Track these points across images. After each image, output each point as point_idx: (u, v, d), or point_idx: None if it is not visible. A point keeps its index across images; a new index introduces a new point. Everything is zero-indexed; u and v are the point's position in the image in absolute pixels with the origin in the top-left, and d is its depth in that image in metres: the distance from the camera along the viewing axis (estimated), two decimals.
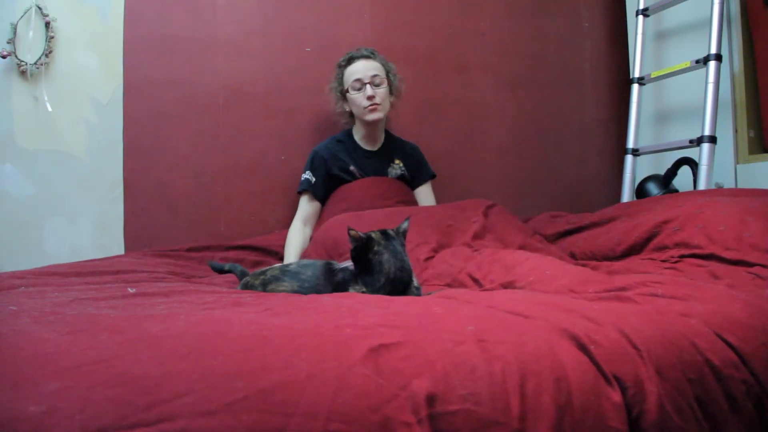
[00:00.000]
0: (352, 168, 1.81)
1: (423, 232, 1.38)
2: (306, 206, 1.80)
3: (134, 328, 0.62)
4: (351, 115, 1.84)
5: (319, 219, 1.80)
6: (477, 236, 1.41)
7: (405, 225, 1.07)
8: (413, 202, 1.87)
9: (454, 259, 1.24)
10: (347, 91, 1.77)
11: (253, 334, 0.61)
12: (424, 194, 1.93)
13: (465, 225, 1.46)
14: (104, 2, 1.87)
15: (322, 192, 1.80)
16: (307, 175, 1.80)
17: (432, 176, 1.96)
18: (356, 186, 1.79)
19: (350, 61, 1.78)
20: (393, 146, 1.89)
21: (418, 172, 1.92)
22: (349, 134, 1.88)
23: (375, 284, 0.99)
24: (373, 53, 1.79)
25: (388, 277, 0.99)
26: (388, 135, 1.90)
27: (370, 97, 1.72)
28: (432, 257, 1.29)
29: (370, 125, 1.79)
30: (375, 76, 1.74)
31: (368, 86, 1.72)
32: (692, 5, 2.01)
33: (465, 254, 1.25)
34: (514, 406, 0.56)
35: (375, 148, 1.85)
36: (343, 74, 1.80)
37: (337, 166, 1.80)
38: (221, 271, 1.37)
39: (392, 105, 1.85)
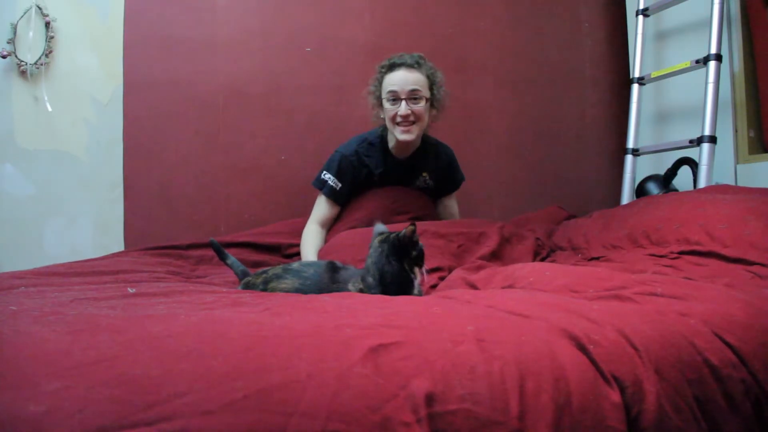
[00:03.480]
0: (376, 176, 1.70)
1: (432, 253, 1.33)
2: (325, 210, 1.68)
3: (134, 328, 0.62)
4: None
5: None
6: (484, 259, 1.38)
7: (404, 231, 1.03)
8: (431, 216, 1.76)
9: (455, 274, 1.24)
10: (382, 99, 1.63)
11: (253, 334, 0.61)
12: (446, 205, 1.84)
13: (476, 249, 1.42)
14: (104, 2, 1.87)
15: (346, 198, 1.70)
16: (329, 178, 1.66)
17: (460, 182, 1.85)
18: (374, 195, 1.69)
19: (391, 68, 1.61)
20: (425, 155, 1.75)
21: (444, 182, 1.80)
22: (382, 137, 1.72)
23: (369, 284, 1.03)
24: (418, 62, 1.61)
25: (374, 278, 1.02)
26: (423, 141, 1.74)
27: (404, 116, 1.57)
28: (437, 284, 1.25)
29: (402, 141, 1.64)
30: (413, 90, 1.57)
31: (403, 103, 1.56)
32: (692, 5, 2.01)
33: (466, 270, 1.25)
34: (513, 406, 0.56)
35: (405, 158, 1.72)
36: (382, 80, 1.63)
37: (364, 173, 1.69)
38: (223, 258, 1.34)
39: (434, 118, 1.70)
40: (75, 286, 1.03)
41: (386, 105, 1.60)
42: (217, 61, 2.00)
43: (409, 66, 1.59)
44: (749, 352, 0.70)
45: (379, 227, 1.10)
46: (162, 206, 1.92)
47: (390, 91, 1.58)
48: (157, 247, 1.63)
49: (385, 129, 1.73)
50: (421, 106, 1.59)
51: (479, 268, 1.29)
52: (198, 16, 1.98)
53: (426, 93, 1.60)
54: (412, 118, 1.58)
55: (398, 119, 1.58)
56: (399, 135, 1.60)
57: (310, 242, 1.62)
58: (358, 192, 1.72)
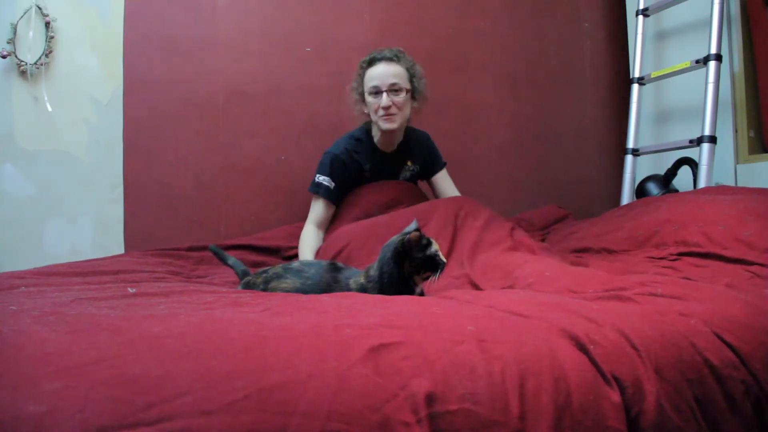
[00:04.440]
0: (366, 171, 1.76)
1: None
2: (322, 210, 1.72)
3: (134, 328, 0.62)
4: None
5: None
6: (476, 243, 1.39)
7: (406, 238, 1.01)
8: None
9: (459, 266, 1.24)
10: (364, 94, 1.71)
11: (253, 334, 0.61)
12: (442, 181, 1.88)
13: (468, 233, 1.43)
14: (104, 2, 1.87)
15: (340, 197, 1.75)
16: (324, 180, 1.71)
17: (442, 165, 1.90)
18: (366, 191, 1.74)
19: (371, 62, 1.69)
20: (407, 145, 1.81)
21: (430, 164, 1.87)
22: (367, 132, 1.79)
23: (371, 277, 1.04)
24: (397, 55, 1.69)
25: (376, 275, 1.03)
26: (405, 132, 1.81)
27: (385, 107, 1.64)
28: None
29: (386, 132, 1.71)
30: (394, 84, 1.65)
31: (384, 95, 1.64)
32: (692, 5, 2.01)
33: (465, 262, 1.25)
34: (513, 406, 0.56)
35: (390, 150, 1.79)
36: (363, 75, 1.71)
37: (355, 169, 1.74)
38: (224, 260, 1.36)
39: (415, 110, 1.77)
40: (75, 286, 1.03)
41: (369, 99, 1.68)
42: (217, 61, 2.00)
43: (389, 59, 1.68)
44: (749, 353, 0.70)
45: (413, 225, 1.08)
46: (162, 206, 1.92)
47: (372, 86, 1.66)
48: (157, 250, 1.63)
49: (369, 125, 1.79)
50: (401, 97, 1.67)
51: (473, 251, 1.29)
52: (198, 16, 1.98)
53: (406, 85, 1.69)
54: (393, 110, 1.65)
55: (380, 111, 1.66)
56: (382, 125, 1.68)
57: (307, 243, 1.65)
58: (350, 189, 1.76)
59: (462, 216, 1.46)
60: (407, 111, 1.72)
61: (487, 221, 1.45)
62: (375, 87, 1.66)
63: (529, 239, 1.42)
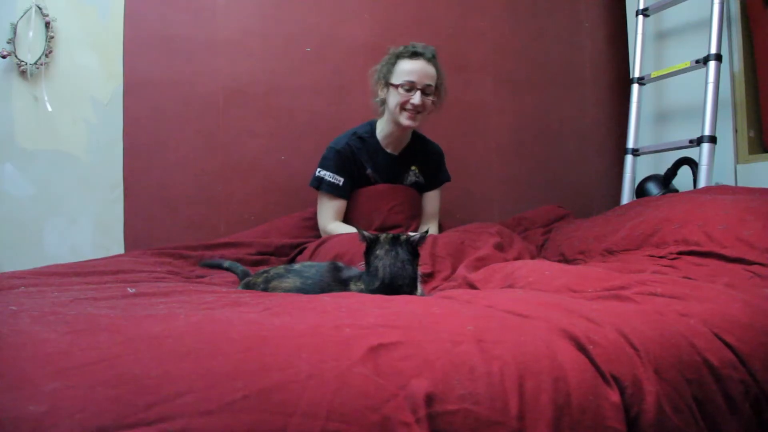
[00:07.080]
0: (369, 172, 1.73)
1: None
2: (335, 205, 1.70)
3: (134, 328, 0.62)
4: (383, 102, 1.72)
5: None
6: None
7: (418, 235, 1.05)
8: (420, 213, 1.82)
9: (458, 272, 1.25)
10: (394, 85, 1.65)
11: (253, 334, 0.61)
12: (429, 198, 1.85)
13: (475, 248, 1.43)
14: (104, 2, 1.87)
15: (350, 192, 1.73)
16: (326, 175, 1.69)
17: (444, 181, 1.87)
18: (369, 194, 1.73)
19: (413, 55, 1.65)
20: (414, 150, 1.79)
21: (431, 178, 1.84)
22: (371, 131, 1.76)
23: (371, 285, 1.02)
24: (434, 56, 1.68)
25: (383, 281, 1.01)
26: (414, 136, 1.80)
27: (416, 106, 1.62)
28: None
29: (401, 127, 1.69)
30: (429, 86, 1.64)
31: (419, 93, 1.62)
32: (692, 5, 2.01)
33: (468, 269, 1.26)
34: (512, 406, 0.56)
35: (396, 152, 1.76)
36: (396, 64, 1.66)
37: (357, 168, 1.72)
38: (220, 267, 1.37)
39: (430, 111, 1.74)
40: (75, 286, 1.03)
41: (400, 90, 1.64)
42: (217, 61, 2.00)
43: (428, 59, 1.66)
44: (749, 353, 0.70)
45: (363, 232, 1.09)
46: (162, 206, 1.92)
47: (408, 80, 1.62)
48: (157, 249, 1.63)
49: (374, 123, 1.77)
50: (430, 99, 1.67)
51: (478, 266, 1.29)
52: (198, 16, 1.98)
53: (435, 89, 1.68)
54: (420, 108, 1.65)
55: (408, 106, 1.64)
56: (404, 120, 1.66)
57: (344, 228, 1.65)
58: (354, 187, 1.74)
59: (467, 244, 1.45)
60: (426, 114, 1.71)
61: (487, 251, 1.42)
62: (411, 82, 1.62)
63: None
